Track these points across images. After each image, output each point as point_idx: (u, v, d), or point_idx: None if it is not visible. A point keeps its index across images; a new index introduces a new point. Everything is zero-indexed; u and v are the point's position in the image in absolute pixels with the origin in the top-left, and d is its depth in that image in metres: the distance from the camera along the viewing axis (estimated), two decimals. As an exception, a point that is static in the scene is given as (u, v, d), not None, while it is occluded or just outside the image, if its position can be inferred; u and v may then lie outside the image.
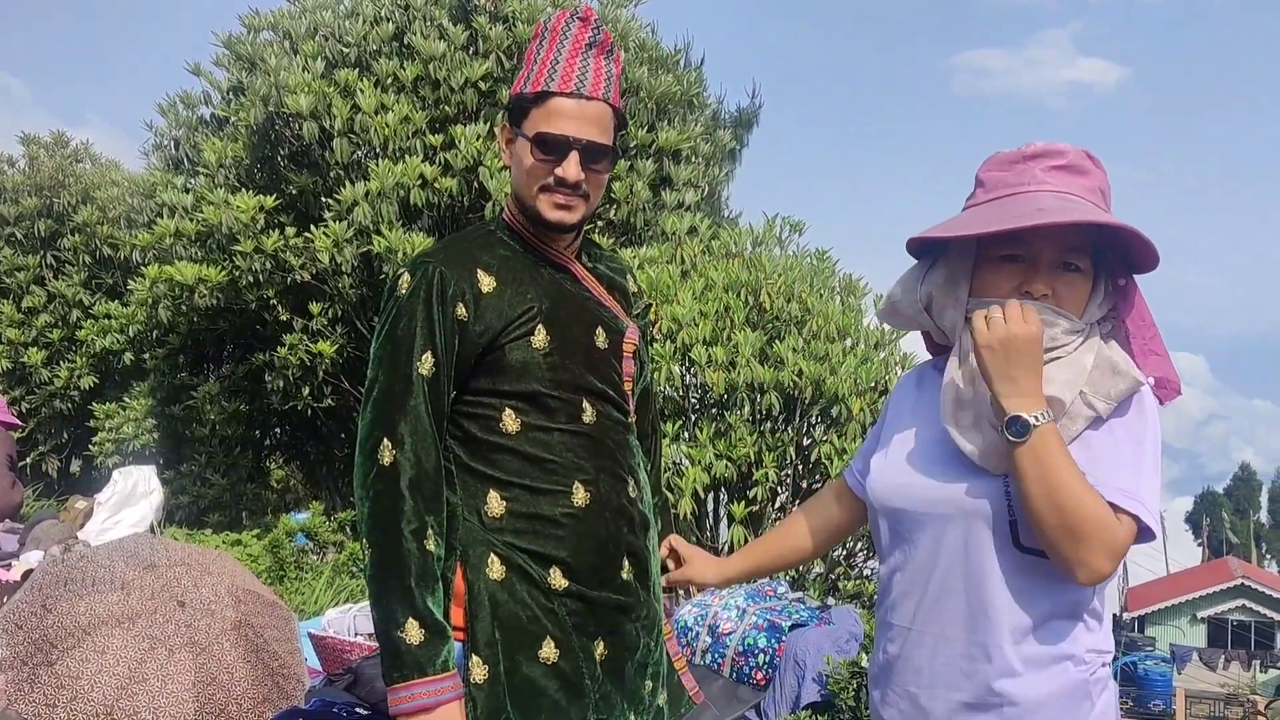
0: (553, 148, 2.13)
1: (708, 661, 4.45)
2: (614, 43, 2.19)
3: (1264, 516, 59.73)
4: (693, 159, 9.11)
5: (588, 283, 2.29)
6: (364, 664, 2.66)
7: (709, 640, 4.50)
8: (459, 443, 2.13)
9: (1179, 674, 34.13)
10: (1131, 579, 43.48)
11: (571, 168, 2.12)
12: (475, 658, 2.07)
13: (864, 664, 4.19)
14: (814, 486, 7.69)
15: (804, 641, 4.29)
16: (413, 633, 1.97)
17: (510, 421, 2.11)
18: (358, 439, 2.09)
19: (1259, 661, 33.91)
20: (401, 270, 2.13)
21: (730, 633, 4.51)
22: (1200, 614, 38.16)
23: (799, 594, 4.82)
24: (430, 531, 2.02)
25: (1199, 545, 52.67)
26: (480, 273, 2.13)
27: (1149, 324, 1.93)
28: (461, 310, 2.08)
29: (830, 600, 5.43)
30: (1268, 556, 56.43)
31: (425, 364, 2.05)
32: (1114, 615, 41.74)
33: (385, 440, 2.03)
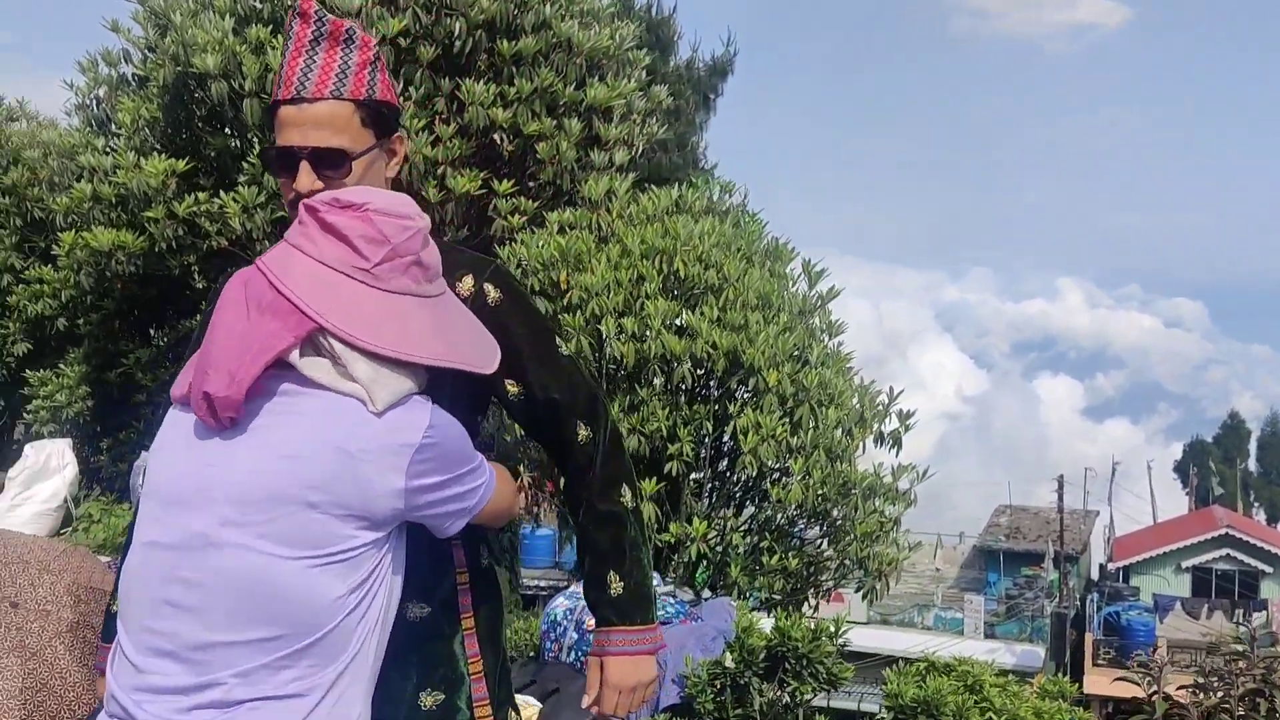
0: (281, 162, 1.97)
1: (572, 659, 4.25)
2: (349, 29, 1.97)
3: (1253, 465, 59.65)
4: (628, 116, 8.79)
5: None
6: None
7: (575, 636, 4.30)
8: None
9: (1161, 624, 34.21)
10: (1118, 529, 43.50)
11: (302, 179, 1.94)
12: None
13: (728, 664, 3.98)
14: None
15: (666, 639, 4.08)
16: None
17: None
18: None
19: (1241, 611, 33.95)
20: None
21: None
22: (1185, 563, 38.11)
23: (669, 588, 4.61)
24: None
25: (1187, 494, 52.72)
26: None
27: None
28: None
29: (707, 593, 5.22)
30: (1256, 505, 56.46)
31: None
32: (1100, 565, 41.82)
33: None
